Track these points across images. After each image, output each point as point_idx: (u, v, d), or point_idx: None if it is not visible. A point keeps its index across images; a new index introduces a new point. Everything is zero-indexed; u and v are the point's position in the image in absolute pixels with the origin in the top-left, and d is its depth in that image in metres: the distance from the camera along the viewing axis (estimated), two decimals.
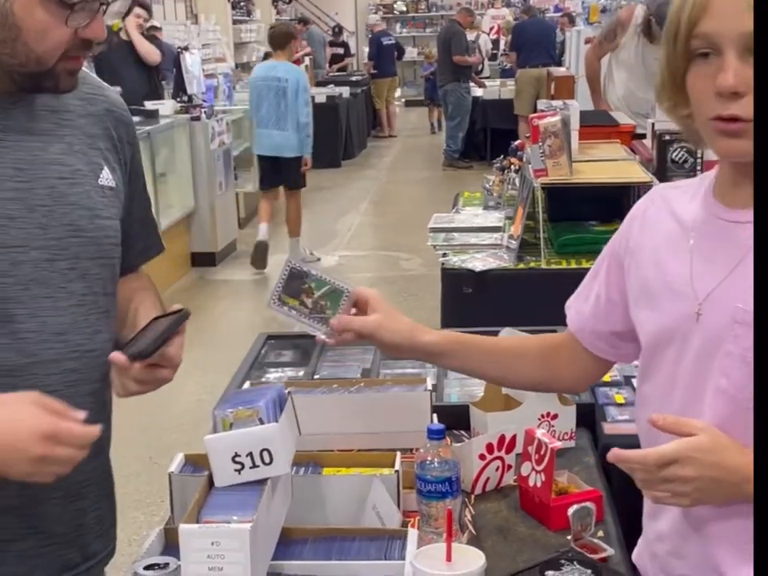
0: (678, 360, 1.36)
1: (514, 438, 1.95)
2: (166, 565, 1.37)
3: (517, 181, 4.33)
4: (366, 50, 17.50)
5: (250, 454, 1.44)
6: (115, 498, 1.72)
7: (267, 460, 1.45)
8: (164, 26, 9.66)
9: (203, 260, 7.62)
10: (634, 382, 2.50)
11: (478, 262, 3.58)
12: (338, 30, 17.31)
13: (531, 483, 1.85)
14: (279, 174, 7.58)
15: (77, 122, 1.54)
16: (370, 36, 17.52)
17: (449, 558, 1.41)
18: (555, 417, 2.11)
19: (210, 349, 5.51)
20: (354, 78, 15.19)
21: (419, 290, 6.76)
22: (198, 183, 7.52)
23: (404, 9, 22.15)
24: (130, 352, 1.48)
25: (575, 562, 1.57)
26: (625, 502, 1.94)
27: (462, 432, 2.17)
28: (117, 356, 1.46)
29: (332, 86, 13.47)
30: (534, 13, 13.29)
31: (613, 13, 8.85)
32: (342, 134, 12.84)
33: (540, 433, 1.86)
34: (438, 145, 13.57)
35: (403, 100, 19.72)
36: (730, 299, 1.28)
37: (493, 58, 15.92)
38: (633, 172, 3.68)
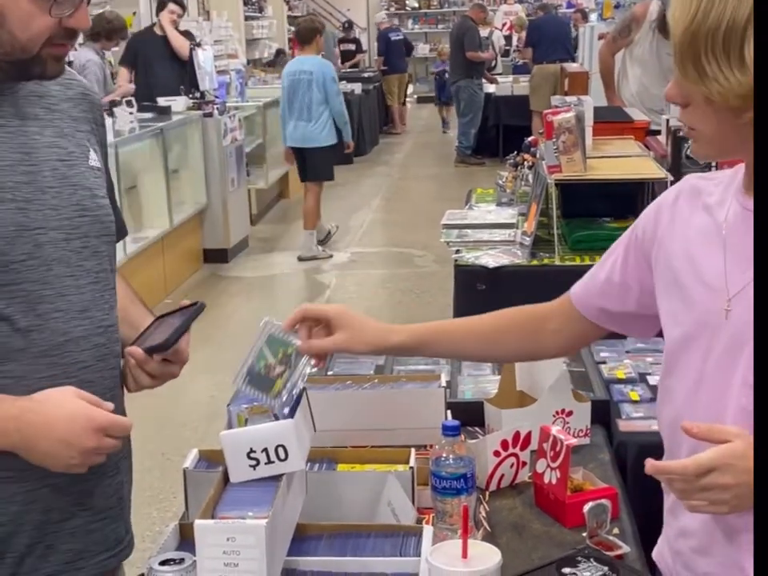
0: (706, 355, 1.35)
1: (528, 434, 1.95)
2: (182, 560, 1.38)
3: (530, 177, 4.31)
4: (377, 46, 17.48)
5: (266, 450, 1.44)
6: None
7: (282, 456, 1.44)
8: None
9: (215, 256, 7.61)
10: (649, 379, 2.50)
11: (491, 259, 3.56)
12: (347, 25, 17.26)
13: (546, 480, 1.85)
14: (305, 164, 7.66)
15: (61, 106, 1.56)
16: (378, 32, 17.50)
17: (465, 555, 1.40)
18: (570, 414, 2.10)
19: (222, 345, 5.51)
20: (365, 75, 15.14)
21: (432, 287, 6.75)
22: (210, 179, 7.52)
23: (416, 5, 22.09)
24: (146, 346, 1.48)
25: (592, 559, 1.56)
26: (640, 500, 1.94)
27: (477, 429, 2.16)
28: (134, 350, 1.49)
29: (344, 82, 13.43)
30: (549, 9, 13.23)
31: (626, 8, 8.84)
32: (354, 130, 12.81)
33: (555, 430, 1.86)
34: (449, 141, 13.55)
35: (415, 96, 19.68)
36: None
37: (505, 54, 15.85)
38: (647, 168, 3.66)
